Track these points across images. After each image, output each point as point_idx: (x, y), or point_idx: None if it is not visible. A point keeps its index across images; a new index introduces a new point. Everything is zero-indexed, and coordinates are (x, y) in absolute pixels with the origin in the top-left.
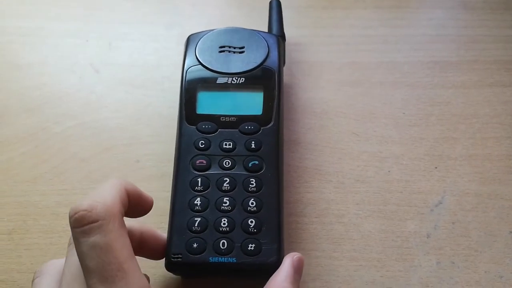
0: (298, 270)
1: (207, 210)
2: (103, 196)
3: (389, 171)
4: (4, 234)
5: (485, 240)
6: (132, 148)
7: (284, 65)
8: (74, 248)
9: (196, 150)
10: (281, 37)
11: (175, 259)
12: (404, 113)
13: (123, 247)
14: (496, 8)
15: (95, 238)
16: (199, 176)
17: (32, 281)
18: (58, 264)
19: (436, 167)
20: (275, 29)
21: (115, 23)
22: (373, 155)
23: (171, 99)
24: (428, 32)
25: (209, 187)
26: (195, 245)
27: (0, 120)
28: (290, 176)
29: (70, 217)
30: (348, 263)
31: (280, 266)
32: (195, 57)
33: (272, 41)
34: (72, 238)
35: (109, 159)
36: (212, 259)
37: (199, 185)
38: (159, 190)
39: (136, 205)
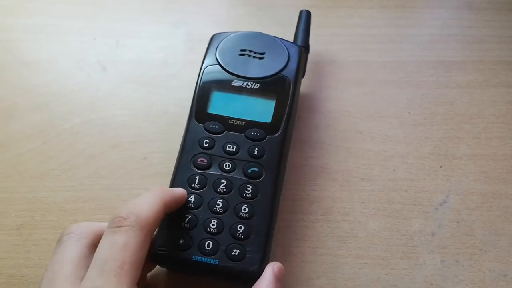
0: (279, 279)
1: (199, 209)
2: (141, 208)
3: (394, 170)
4: (12, 229)
5: (490, 239)
6: (138, 146)
7: (303, 76)
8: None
9: (200, 148)
10: (304, 48)
11: (160, 251)
12: (409, 113)
13: (134, 253)
14: (501, 8)
15: (117, 237)
16: (197, 174)
17: (58, 241)
18: (89, 226)
19: (441, 166)
20: (300, 39)
21: (122, 21)
22: (378, 154)
23: (177, 97)
24: (433, 32)
25: (205, 186)
26: (181, 241)
27: (8, 117)
28: (295, 174)
29: (110, 220)
30: (353, 260)
31: (262, 275)
32: (214, 57)
33: (294, 51)
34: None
35: (115, 156)
36: (195, 257)
37: (196, 183)
38: None
39: (172, 207)
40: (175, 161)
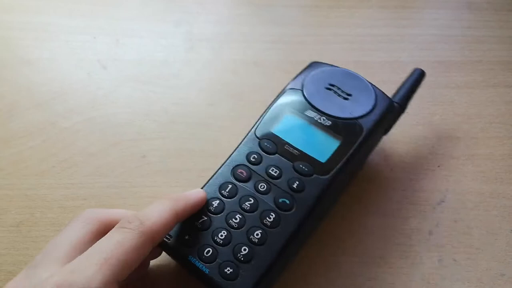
0: None
1: (217, 215)
2: (148, 216)
3: (391, 169)
4: (12, 226)
5: (487, 238)
6: (138, 144)
7: (386, 133)
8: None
9: (246, 161)
10: (399, 105)
11: (165, 238)
12: (407, 112)
13: (125, 253)
14: (500, 9)
15: (116, 235)
16: (232, 183)
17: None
18: (99, 212)
19: (439, 166)
20: (398, 96)
21: (123, 20)
22: (377, 153)
23: (177, 96)
24: (433, 32)
25: (233, 197)
26: (186, 237)
27: (9, 115)
28: None
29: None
30: (351, 259)
31: None
32: (301, 83)
33: (383, 103)
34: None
35: (115, 154)
36: (191, 258)
37: (227, 191)
38: (165, 185)
39: (186, 215)
40: (174, 160)
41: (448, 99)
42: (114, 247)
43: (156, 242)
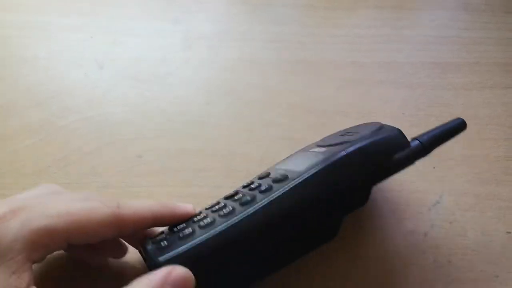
0: (170, 284)
1: (189, 221)
2: (127, 206)
3: None
4: None
5: (482, 240)
6: (134, 143)
7: (400, 166)
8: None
9: (241, 187)
10: (420, 143)
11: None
12: (403, 113)
13: (85, 218)
14: (497, 10)
15: (92, 203)
16: (219, 200)
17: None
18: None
19: (434, 167)
20: (425, 135)
21: (120, 18)
22: None
23: (174, 94)
24: (430, 33)
25: (209, 208)
26: (158, 237)
27: (5, 113)
28: None
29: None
30: (347, 259)
31: (158, 269)
32: (326, 139)
33: (385, 132)
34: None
35: (112, 154)
36: (146, 243)
37: (212, 204)
38: (161, 185)
39: (166, 223)
40: (170, 159)
41: (444, 101)
42: (80, 208)
43: (122, 232)
